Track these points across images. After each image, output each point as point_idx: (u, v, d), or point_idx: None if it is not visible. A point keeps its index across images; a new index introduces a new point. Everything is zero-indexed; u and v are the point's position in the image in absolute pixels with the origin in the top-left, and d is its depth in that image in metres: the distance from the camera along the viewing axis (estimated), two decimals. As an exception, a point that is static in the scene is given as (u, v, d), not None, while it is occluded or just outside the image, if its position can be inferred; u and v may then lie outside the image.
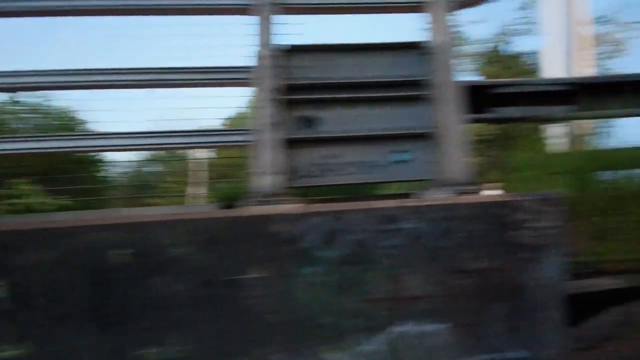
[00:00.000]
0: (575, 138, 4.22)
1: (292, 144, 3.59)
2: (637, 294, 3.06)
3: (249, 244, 2.67)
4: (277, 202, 3.24)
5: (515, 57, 12.65)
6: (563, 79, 5.21)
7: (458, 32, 12.85)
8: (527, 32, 12.68)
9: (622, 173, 4.02)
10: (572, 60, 6.87)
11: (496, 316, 2.75)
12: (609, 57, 12.44)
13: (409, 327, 2.72)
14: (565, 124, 4.75)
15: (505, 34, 13.08)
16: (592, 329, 3.11)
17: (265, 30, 3.69)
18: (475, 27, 15.35)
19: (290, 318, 2.67)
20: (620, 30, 12.71)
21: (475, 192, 3.26)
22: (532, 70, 10.86)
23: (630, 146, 4.65)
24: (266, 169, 3.38)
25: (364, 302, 2.69)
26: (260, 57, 3.63)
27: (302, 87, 3.71)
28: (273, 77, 3.57)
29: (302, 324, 2.66)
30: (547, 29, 7.29)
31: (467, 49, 13.26)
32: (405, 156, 3.63)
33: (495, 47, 13.12)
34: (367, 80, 3.72)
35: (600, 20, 12.64)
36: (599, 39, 12.40)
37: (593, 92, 4.47)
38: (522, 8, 12.86)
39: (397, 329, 2.71)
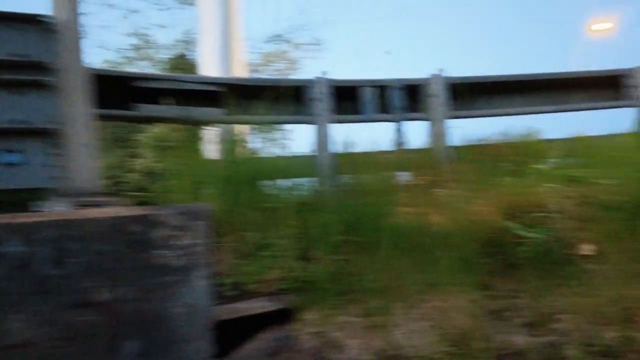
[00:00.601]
0: (231, 144, 4.28)
1: None
2: (289, 317, 3.13)
3: None
4: None
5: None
6: (215, 78, 5.28)
7: (144, 35, 13.01)
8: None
9: (280, 183, 4.23)
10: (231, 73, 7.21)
11: (128, 357, 2.50)
12: (283, 74, 13.84)
13: (5, 388, 2.25)
14: (223, 128, 4.83)
15: (189, 42, 13.43)
16: (242, 358, 3.11)
17: None
18: (162, 31, 15.39)
19: None
20: (293, 49, 14.27)
21: (107, 204, 2.96)
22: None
23: (290, 155, 4.99)
24: None
25: None
26: None
27: None
28: None
29: None
30: (205, 41, 7.51)
31: (152, 53, 13.19)
32: (16, 158, 3.11)
33: (181, 53, 13.31)
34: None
35: (275, 39, 14.03)
36: (275, 57, 13.78)
37: (244, 96, 4.65)
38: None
39: (-12, 392, 2.22)
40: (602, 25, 12.27)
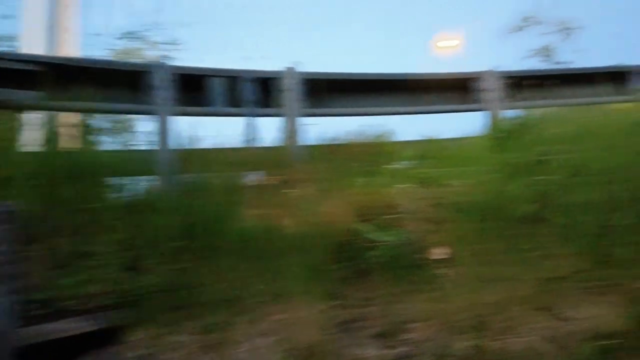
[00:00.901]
0: (50, 134, 3.79)
1: None
2: (112, 337, 2.78)
3: None
4: None
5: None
6: (32, 56, 4.67)
7: None
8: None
9: (111, 181, 3.84)
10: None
11: None
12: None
13: None
14: (44, 115, 4.29)
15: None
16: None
17: None
18: (4, 22, 14.15)
19: None
20: (148, 47, 13.83)
21: None
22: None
23: (125, 149, 4.55)
24: None
25: None
26: None
27: None
28: None
29: None
30: (29, 30, 6.86)
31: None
32: None
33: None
34: None
35: (128, 36, 13.56)
36: (127, 54, 13.28)
37: (69, 78, 4.18)
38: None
39: None
40: (447, 43, 13.05)
